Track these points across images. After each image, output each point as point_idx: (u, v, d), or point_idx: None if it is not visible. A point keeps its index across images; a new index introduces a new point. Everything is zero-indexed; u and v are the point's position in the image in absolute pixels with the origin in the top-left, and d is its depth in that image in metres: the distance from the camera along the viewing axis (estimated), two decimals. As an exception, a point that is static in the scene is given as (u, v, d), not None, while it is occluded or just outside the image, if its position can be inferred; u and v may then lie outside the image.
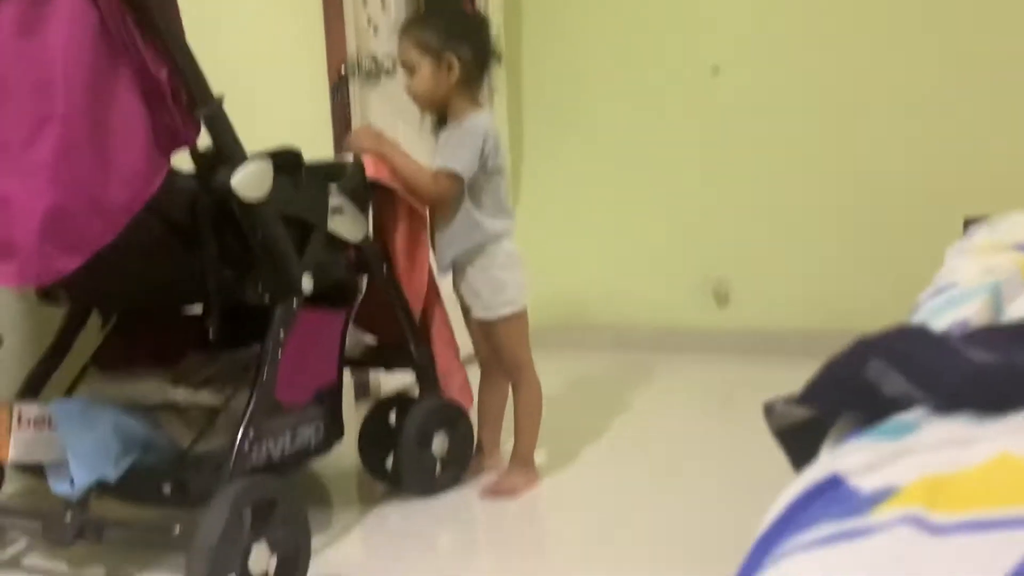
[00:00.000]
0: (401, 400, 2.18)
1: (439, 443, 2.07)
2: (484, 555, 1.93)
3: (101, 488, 1.60)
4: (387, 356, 2.19)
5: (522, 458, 2.14)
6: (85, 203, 1.39)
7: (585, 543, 1.84)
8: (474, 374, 2.24)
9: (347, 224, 1.89)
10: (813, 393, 0.76)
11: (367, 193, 1.97)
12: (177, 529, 1.51)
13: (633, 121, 3.45)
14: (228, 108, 1.58)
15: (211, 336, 1.84)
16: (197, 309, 2.01)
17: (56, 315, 1.90)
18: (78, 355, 1.91)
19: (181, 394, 1.81)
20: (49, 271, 1.39)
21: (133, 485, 1.64)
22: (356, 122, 2.78)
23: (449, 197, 2.02)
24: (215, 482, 1.53)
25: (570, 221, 3.59)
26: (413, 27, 2.04)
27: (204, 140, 1.60)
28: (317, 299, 1.76)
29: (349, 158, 2.04)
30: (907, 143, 3.13)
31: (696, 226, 3.42)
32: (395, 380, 2.63)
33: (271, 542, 1.50)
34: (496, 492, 2.08)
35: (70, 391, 1.86)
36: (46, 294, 1.82)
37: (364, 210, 1.96)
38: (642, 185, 3.47)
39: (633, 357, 3.34)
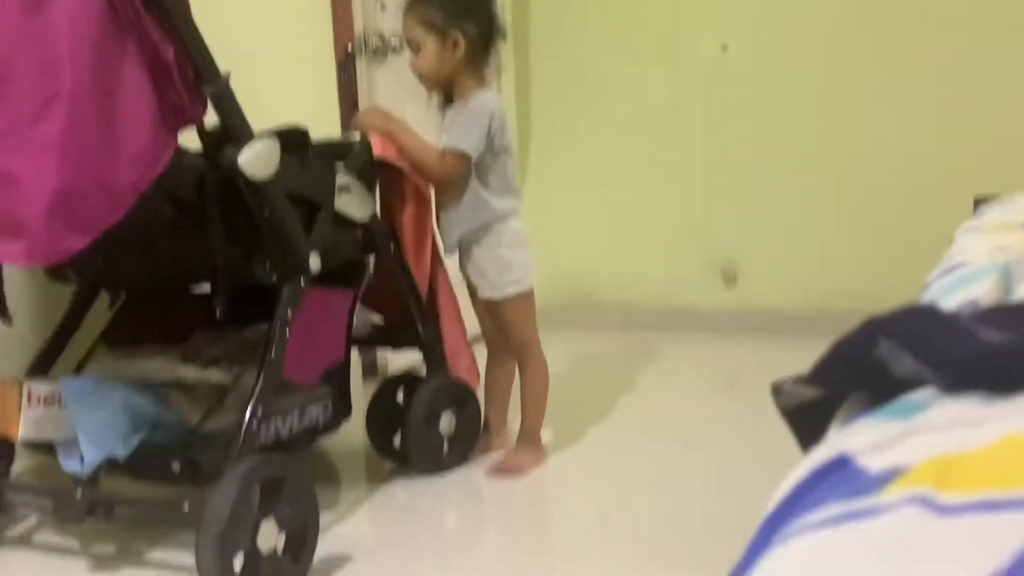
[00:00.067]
0: (408, 379, 2.18)
1: (446, 422, 2.08)
2: (491, 532, 1.94)
3: (111, 466, 1.61)
4: (394, 335, 2.19)
5: (529, 437, 2.15)
6: (93, 182, 1.39)
7: (591, 522, 1.85)
8: (481, 354, 2.25)
9: (354, 203, 1.88)
10: (822, 373, 0.75)
11: (374, 172, 1.96)
12: (186, 506, 1.52)
13: (641, 100, 3.43)
14: (235, 86, 1.57)
15: (218, 315, 1.84)
16: (205, 288, 2.02)
17: (65, 294, 1.91)
18: (87, 334, 1.92)
19: (190, 372, 1.82)
20: (57, 250, 1.39)
21: (142, 463, 1.65)
22: (363, 100, 2.76)
23: (455, 177, 2.02)
24: (224, 460, 1.54)
25: (578, 200, 3.58)
26: (418, 4, 2.02)
27: (211, 118, 1.60)
28: (325, 278, 1.76)
29: (356, 137, 2.03)
30: (917, 121, 3.10)
31: (704, 205, 3.40)
32: (403, 359, 2.64)
33: (280, 519, 1.51)
34: (503, 470, 2.09)
35: (79, 369, 1.87)
36: (55, 273, 1.83)
37: (371, 189, 1.96)
38: (650, 163, 3.46)
39: (640, 337, 3.34)
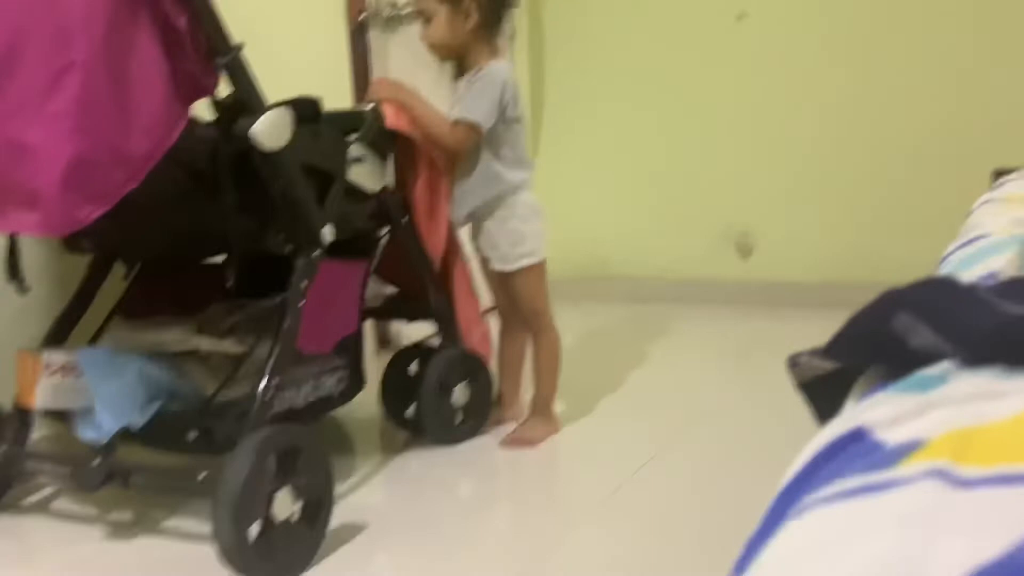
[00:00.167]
0: (422, 350, 2.19)
1: (459, 393, 2.08)
2: (503, 503, 1.95)
3: (127, 435, 1.62)
4: (408, 307, 2.20)
5: (542, 408, 2.15)
6: (107, 152, 1.39)
7: (603, 493, 1.85)
8: (493, 325, 2.25)
9: (367, 174, 1.88)
10: (838, 346, 0.75)
11: (387, 143, 1.95)
12: (202, 475, 1.54)
13: (656, 69, 3.40)
14: (247, 57, 1.57)
15: (229, 285, 1.85)
16: (220, 258, 2.02)
17: (80, 264, 1.92)
18: (102, 304, 1.93)
19: (205, 342, 1.83)
20: (72, 220, 1.40)
21: (158, 432, 1.66)
22: (375, 70, 2.75)
23: (467, 148, 2.01)
24: (239, 429, 1.55)
25: (591, 170, 3.56)
26: (431, -27, 2.00)
27: (224, 89, 1.59)
28: (338, 249, 1.76)
29: (369, 107, 2.02)
30: (936, 92, 3.07)
31: (718, 176, 3.38)
32: (416, 331, 2.64)
33: (295, 488, 1.52)
34: (516, 441, 2.10)
35: (95, 340, 1.88)
36: (70, 243, 1.83)
37: (384, 160, 1.95)
38: (664, 134, 3.43)
39: (653, 308, 3.34)
